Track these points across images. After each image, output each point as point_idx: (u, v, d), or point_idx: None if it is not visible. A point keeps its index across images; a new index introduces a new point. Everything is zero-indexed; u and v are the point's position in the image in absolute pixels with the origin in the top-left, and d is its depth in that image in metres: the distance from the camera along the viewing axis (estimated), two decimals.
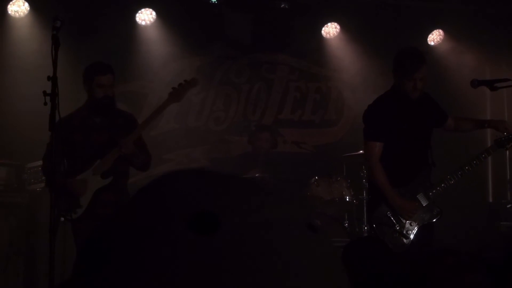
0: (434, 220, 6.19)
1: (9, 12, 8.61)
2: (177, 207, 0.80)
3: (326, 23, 9.75)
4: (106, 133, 6.26)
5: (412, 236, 6.09)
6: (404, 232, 6.08)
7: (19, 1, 8.62)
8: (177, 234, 0.76)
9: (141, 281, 0.75)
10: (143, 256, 0.76)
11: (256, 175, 7.79)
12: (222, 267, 0.75)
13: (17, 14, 8.64)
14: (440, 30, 9.85)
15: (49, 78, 5.17)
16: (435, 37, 9.90)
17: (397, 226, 6.08)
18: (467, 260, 0.96)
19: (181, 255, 0.75)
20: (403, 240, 6.05)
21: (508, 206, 8.76)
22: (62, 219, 5.87)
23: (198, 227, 0.77)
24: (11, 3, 8.60)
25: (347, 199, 7.62)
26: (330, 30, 9.78)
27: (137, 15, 9.10)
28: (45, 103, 5.14)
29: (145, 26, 9.17)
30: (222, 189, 0.84)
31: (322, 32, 9.78)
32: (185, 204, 0.80)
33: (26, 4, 8.61)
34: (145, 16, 9.13)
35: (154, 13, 9.11)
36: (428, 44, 9.80)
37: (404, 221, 6.10)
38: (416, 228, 6.12)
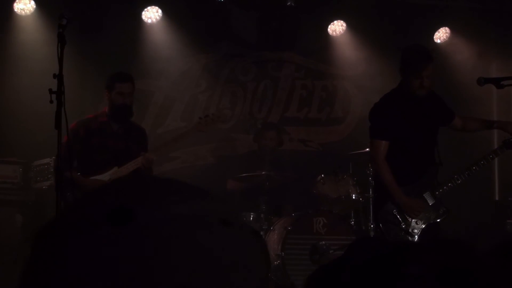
0: (441, 219, 6.18)
1: (15, 10, 8.61)
2: (98, 204, 0.89)
3: (332, 21, 9.73)
4: (122, 141, 6.63)
5: (417, 235, 6.08)
6: (410, 230, 6.08)
7: None
8: (97, 226, 0.84)
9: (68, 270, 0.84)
10: (69, 249, 0.85)
11: (263, 172, 7.79)
12: (138, 253, 0.82)
13: (23, 12, 8.64)
14: (447, 28, 9.82)
15: (55, 76, 5.17)
16: (441, 35, 9.87)
17: (403, 225, 6.07)
18: None
19: (100, 245, 0.83)
20: (408, 239, 6.04)
21: None
22: None
23: (115, 219, 0.84)
24: (17, 1, 8.60)
25: (353, 197, 7.61)
26: (336, 28, 9.76)
27: (143, 13, 9.09)
28: (51, 101, 5.14)
29: (151, 24, 9.16)
30: (140, 187, 0.92)
31: (328, 30, 9.76)
32: (104, 201, 0.89)
33: (32, 2, 8.60)
34: (151, 14, 9.12)
35: (160, 11, 9.10)
36: (435, 42, 9.77)
37: (410, 219, 6.09)
38: (422, 227, 6.11)
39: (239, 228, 0.90)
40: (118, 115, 6.62)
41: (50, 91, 5.17)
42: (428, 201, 6.13)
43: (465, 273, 0.96)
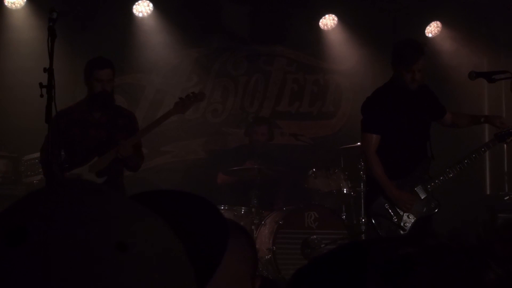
0: (432, 213, 6.19)
1: (6, 3, 8.57)
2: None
3: (324, 15, 9.72)
4: (104, 129, 6.34)
5: (409, 229, 6.09)
6: (402, 224, 6.08)
7: None
8: None
9: None
10: None
11: (254, 167, 7.78)
12: (27, 273, 0.82)
13: (13, 6, 8.61)
14: (438, 22, 9.82)
15: (45, 70, 5.16)
16: (432, 29, 9.88)
17: (395, 218, 6.08)
18: None
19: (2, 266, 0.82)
20: (400, 233, 6.05)
21: (506, 198, 8.76)
22: None
23: (10, 240, 0.84)
24: None
25: (345, 191, 7.61)
26: (328, 22, 9.75)
27: (134, 6, 9.06)
28: (41, 95, 5.12)
29: (142, 18, 9.14)
30: (40, 204, 0.89)
31: (320, 24, 9.75)
32: (5, 221, 0.88)
33: None
34: (142, 8, 9.09)
35: (151, 4, 9.07)
36: (426, 36, 9.77)
37: (401, 213, 6.10)
38: (413, 221, 6.11)
39: (136, 254, 0.86)
40: (98, 103, 6.29)
41: (41, 85, 5.15)
42: (420, 194, 6.14)
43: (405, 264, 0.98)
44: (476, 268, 0.98)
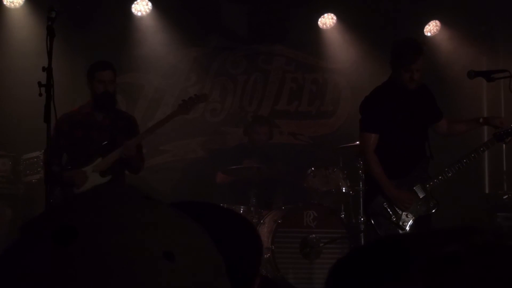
0: (431, 212, 6.19)
1: (4, 2, 8.57)
2: (44, 223, 0.89)
3: (323, 14, 9.72)
4: (107, 131, 6.51)
5: (408, 228, 6.09)
6: (400, 223, 6.08)
7: None
8: (41, 245, 0.86)
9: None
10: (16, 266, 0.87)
11: (253, 166, 7.78)
12: (80, 271, 0.82)
13: (12, 5, 8.60)
14: (437, 21, 9.82)
15: (44, 69, 5.15)
16: (431, 28, 9.87)
17: (394, 218, 6.08)
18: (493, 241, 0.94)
19: (44, 262, 0.84)
20: (399, 232, 6.04)
21: (505, 197, 8.75)
22: None
23: (58, 238, 0.85)
24: None
25: (344, 190, 7.60)
26: (327, 21, 9.75)
27: (133, 5, 9.06)
28: (40, 94, 5.12)
29: (141, 17, 9.13)
30: (89, 205, 0.91)
31: (319, 23, 9.75)
32: (51, 219, 0.89)
33: None
34: (141, 7, 9.09)
35: (150, 3, 9.07)
36: (425, 35, 9.77)
37: (400, 212, 6.10)
38: (412, 220, 6.11)
39: (182, 264, 0.87)
40: (101, 104, 6.47)
41: (39, 84, 5.14)
42: (419, 194, 6.14)
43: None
44: None
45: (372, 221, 6.13)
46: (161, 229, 0.89)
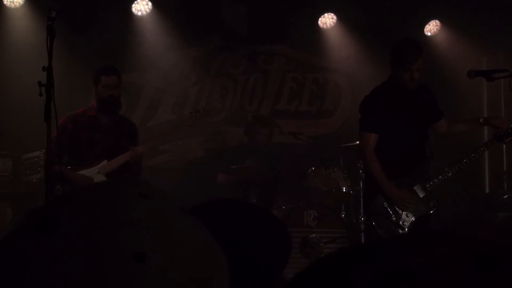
0: (431, 212, 6.18)
1: (5, 2, 8.57)
2: (29, 215, 0.94)
3: (323, 13, 9.72)
4: (111, 134, 6.70)
5: (408, 228, 6.09)
6: (400, 223, 6.08)
7: None
8: (27, 236, 0.90)
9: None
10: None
11: (253, 165, 7.78)
12: (60, 260, 0.85)
13: (12, 5, 8.60)
14: (437, 21, 9.82)
15: (44, 68, 5.14)
16: (431, 28, 9.88)
17: (394, 217, 6.08)
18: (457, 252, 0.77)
19: (25, 253, 0.87)
20: (399, 231, 6.04)
21: (505, 197, 8.75)
22: None
23: (41, 229, 0.89)
24: None
25: (344, 190, 7.61)
26: (327, 20, 9.75)
27: (133, 5, 9.06)
28: (41, 94, 5.12)
29: (141, 17, 9.13)
30: (68, 197, 0.96)
31: (319, 22, 9.75)
32: (35, 212, 0.94)
33: None
34: (141, 7, 9.09)
35: (150, 3, 9.07)
36: (425, 35, 9.77)
37: (400, 212, 6.09)
38: (412, 220, 6.11)
39: (152, 266, 0.88)
40: (106, 108, 6.66)
41: (40, 84, 5.14)
42: (419, 193, 6.14)
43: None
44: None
45: (372, 221, 6.12)
46: (141, 229, 0.89)
